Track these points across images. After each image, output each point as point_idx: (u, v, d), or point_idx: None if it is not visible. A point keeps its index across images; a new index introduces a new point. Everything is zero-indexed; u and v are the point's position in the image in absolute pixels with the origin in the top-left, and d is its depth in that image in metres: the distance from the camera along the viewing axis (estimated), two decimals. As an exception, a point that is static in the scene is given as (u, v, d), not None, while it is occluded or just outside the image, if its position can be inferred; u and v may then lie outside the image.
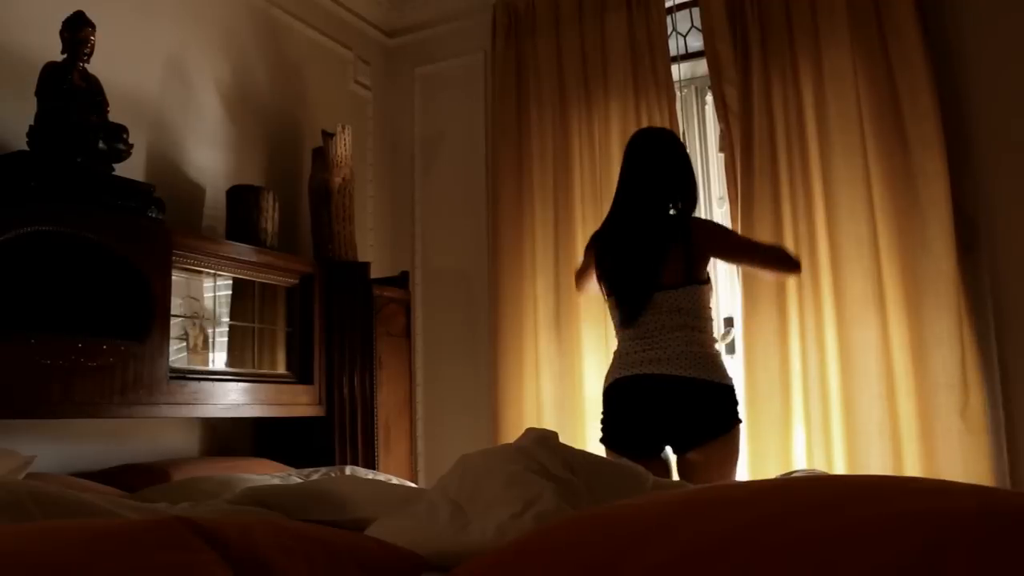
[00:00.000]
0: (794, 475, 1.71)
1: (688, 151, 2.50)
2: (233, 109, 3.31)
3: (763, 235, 3.01)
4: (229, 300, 3.02)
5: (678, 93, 3.43)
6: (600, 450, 2.25)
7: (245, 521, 0.87)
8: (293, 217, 3.46)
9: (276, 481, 2.32)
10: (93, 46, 2.47)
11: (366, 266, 3.33)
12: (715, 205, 3.53)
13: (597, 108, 3.51)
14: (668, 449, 2.23)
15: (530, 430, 1.45)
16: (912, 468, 2.73)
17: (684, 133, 3.52)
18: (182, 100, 3.09)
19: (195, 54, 3.17)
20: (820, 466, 2.81)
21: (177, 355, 2.67)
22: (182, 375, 2.60)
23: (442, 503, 1.29)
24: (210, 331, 2.91)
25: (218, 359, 2.93)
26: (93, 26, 2.46)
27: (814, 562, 0.64)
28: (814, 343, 2.97)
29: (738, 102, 3.20)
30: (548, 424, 3.29)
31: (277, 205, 3.12)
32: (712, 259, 2.35)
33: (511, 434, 3.32)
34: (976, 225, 2.88)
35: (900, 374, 2.81)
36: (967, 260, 2.83)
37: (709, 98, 3.47)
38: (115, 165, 2.48)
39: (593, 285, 2.42)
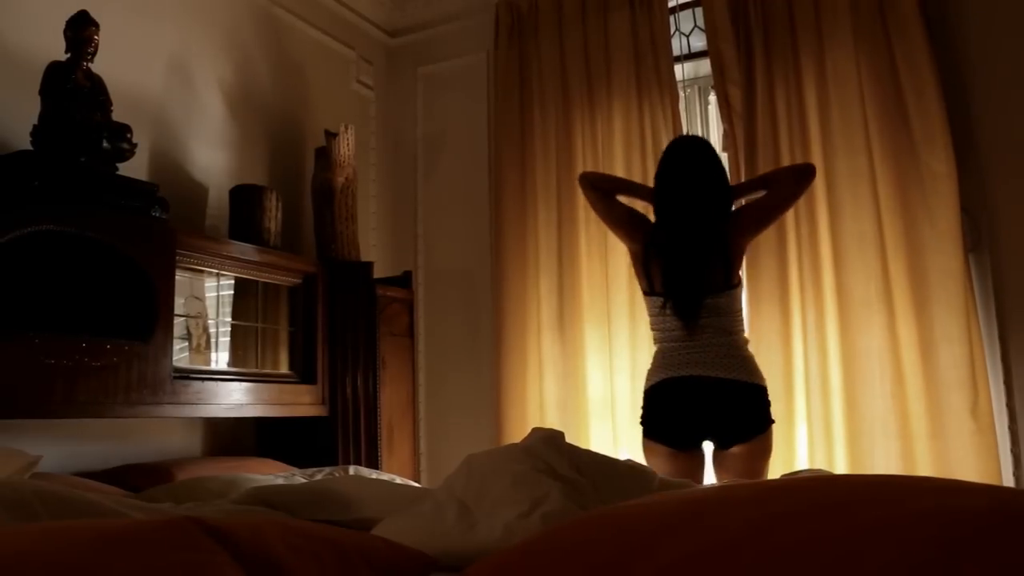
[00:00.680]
0: (799, 475, 1.71)
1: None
2: (236, 109, 3.31)
3: (764, 235, 2.98)
4: (232, 300, 3.02)
5: (681, 93, 3.43)
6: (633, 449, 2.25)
7: (255, 521, 0.87)
8: (296, 217, 3.46)
9: (280, 481, 2.32)
10: (97, 45, 2.46)
11: (369, 266, 3.33)
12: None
13: (600, 108, 3.50)
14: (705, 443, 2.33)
15: (536, 430, 1.45)
16: (922, 468, 2.72)
17: (687, 133, 3.51)
18: (185, 100, 3.09)
19: (198, 54, 3.17)
20: (823, 466, 2.81)
21: (179, 355, 2.67)
22: (185, 375, 2.60)
23: (449, 503, 1.29)
24: (213, 331, 2.91)
25: (220, 359, 2.93)
26: (97, 25, 2.46)
27: (826, 561, 0.64)
28: (815, 343, 2.96)
29: (741, 102, 3.19)
30: (551, 424, 3.28)
31: (280, 205, 3.12)
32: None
33: (514, 434, 3.32)
34: (979, 225, 2.88)
35: (908, 374, 2.81)
36: (970, 259, 2.83)
37: (712, 98, 3.47)
38: (119, 164, 2.48)
39: (615, 224, 2.48)
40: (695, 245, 2.29)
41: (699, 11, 3.40)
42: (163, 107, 2.99)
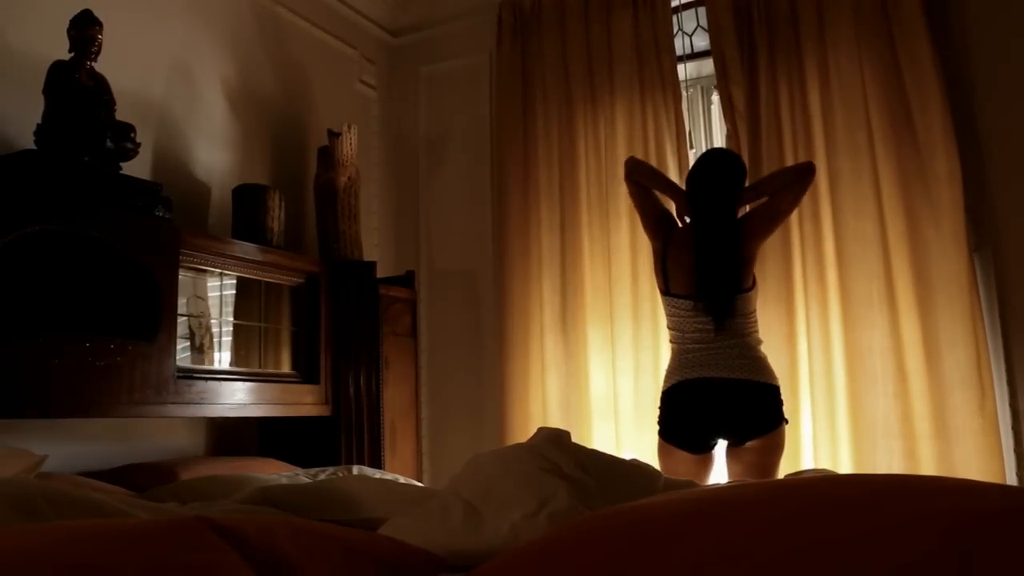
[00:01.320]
0: (803, 475, 1.71)
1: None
2: (238, 108, 3.31)
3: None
4: (234, 299, 3.02)
5: (684, 93, 3.43)
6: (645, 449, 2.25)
7: (264, 520, 0.86)
8: (299, 216, 3.46)
9: (284, 481, 2.31)
10: (100, 45, 2.46)
11: (372, 265, 3.33)
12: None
13: (603, 108, 3.50)
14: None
15: (542, 429, 1.45)
16: (926, 468, 2.72)
17: (690, 133, 3.52)
18: (188, 99, 3.09)
19: (201, 53, 3.17)
20: (827, 465, 2.80)
21: (182, 355, 2.67)
22: (189, 375, 2.59)
23: (455, 503, 1.29)
24: (215, 330, 2.91)
25: (223, 359, 2.93)
26: (100, 25, 2.45)
27: (840, 563, 0.64)
28: (819, 343, 2.96)
29: (744, 102, 3.19)
30: (555, 424, 3.28)
31: (283, 204, 3.12)
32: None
33: (517, 434, 3.32)
34: (982, 226, 2.87)
35: (912, 373, 2.80)
36: (975, 259, 2.82)
37: (715, 98, 3.47)
38: (122, 164, 2.47)
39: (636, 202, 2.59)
40: (727, 247, 2.35)
41: (702, 11, 3.40)
42: (166, 107, 2.99)
